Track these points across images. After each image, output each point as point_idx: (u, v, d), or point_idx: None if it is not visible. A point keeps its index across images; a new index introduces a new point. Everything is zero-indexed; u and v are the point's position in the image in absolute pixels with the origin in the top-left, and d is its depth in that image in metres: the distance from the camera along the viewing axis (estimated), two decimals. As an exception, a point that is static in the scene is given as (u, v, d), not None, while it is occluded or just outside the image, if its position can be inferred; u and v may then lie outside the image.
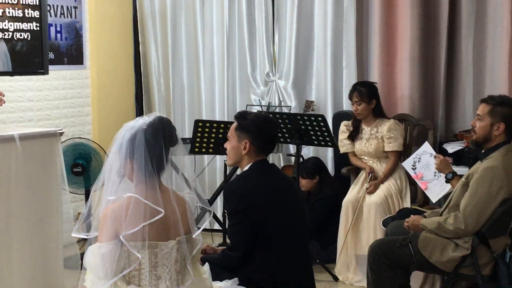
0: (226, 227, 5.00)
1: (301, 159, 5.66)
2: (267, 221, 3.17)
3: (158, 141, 2.77)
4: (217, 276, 3.18)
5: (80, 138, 5.53)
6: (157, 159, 2.77)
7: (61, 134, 4.28)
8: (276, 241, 3.18)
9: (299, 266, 3.29)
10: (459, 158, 5.00)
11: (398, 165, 5.27)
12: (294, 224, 3.29)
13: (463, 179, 3.87)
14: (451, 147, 5.17)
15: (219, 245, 5.33)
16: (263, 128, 3.29)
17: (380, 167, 5.21)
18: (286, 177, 3.46)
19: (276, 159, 6.32)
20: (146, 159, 2.76)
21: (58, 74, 5.99)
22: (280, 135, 5.14)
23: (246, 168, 3.31)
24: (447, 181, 4.29)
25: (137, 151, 2.77)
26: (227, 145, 3.38)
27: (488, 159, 3.77)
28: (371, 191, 5.07)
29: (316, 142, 5.13)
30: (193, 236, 2.89)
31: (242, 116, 3.35)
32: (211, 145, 5.24)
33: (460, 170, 4.76)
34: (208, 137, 5.20)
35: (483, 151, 3.86)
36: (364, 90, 5.18)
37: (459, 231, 3.71)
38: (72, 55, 6.13)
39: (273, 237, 3.18)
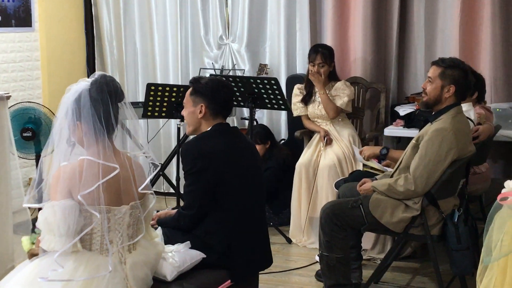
0: (180, 190, 5.01)
1: (254, 123, 5.66)
2: (222, 182, 3.17)
3: (103, 96, 2.75)
4: (169, 240, 3.18)
5: (30, 102, 5.41)
6: (105, 115, 2.74)
7: (8, 97, 4.18)
8: (231, 203, 3.19)
9: (253, 229, 3.30)
10: (410, 120, 5.05)
11: (351, 126, 5.31)
12: (250, 187, 3.29)
13: (413, 141, 3.91)
14: (403, 110, 5.22)
15: (173, 209, 5.32)
16: (218, 91, 3.28)
17: (334, 130, 5.23)
18: (245, 141, 3.45)
19: (230, 122, 6.28)
20: (94, 117, 2.73)
21: (5, 37, 5.85)
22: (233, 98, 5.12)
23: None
24: (383, 157, 4.35)
25: (83, 110, 2.73)
26: (184, 112, 3.36)
27: (438, 121, 3.81)
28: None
29: (269, 106, 5.13)
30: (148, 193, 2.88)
31: (196, 81, 3.34)
32: (164, 109, 5.19)
33: (411, 132, 4.84)
34: (161, 101, 5.15)
35: (433, 113, 3.90)
36: (327, 53, 5.18)
37: (409, 192, 3.75)
38: (20, 17, 5.98)
39: (228, 198, 3.18)
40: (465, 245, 3.75)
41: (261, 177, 3.44)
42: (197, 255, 3.12)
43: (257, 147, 5.52)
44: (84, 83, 2.79)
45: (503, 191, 1.98)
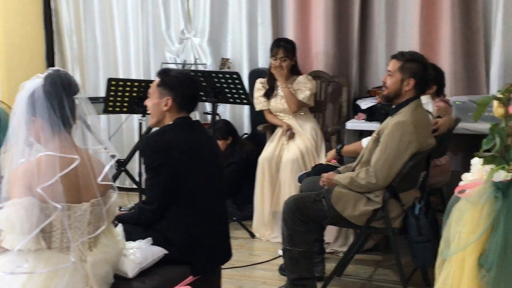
0: (143, 185, 4.97)
1: (217, 117, 5.64)
2: (182, 177, 3.15)
3: (57, 89, 2.72)
4: (130, 236, 3.15)
5: (-12, 98, 5.33)
6: (60, 108, 2.71)
7: (-35, 94, 4.10)
8: (191, 197, 3.17)
9: (214, 223, 3.29)
10: (372, 114, 5.08)
11: (313, 120, 5.32)
12: (211, 182, 3.28)
13: (374, 134, 3.93)
14: (364, 103, 5.25)
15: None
16: (186, 85, 3.25)
17: (296, 124, 5.24)
18: (206, 135, 3.43)
19: (192, 117, 6.26)
20: (49, 109, 2.70)
21: (-39, 31, 5.74)
22: (195, 93, 5.10)
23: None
24: (339, 153, 4.39)
25: (38, 104, 2.71)
26: (148, 102, 3.32)
27: (398, 115, 3.83)
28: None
29: (231, 100, 5.12)
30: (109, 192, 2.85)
31: (165, 73, 3.30)
32: (125, 104, 5.13)
33: (373, 125, 4.87)
34: (122, 96, 5.09)
35: (393, 106, 3.92)
36: (289, 47, 5.18)
37: (371, 186, 3.77)
38: (-24, 11, 5.87)
39: (188, 193, 3.17)
40: (426, 237, 3.78)
41: (221, 172, 3.43)
42: (158, 251, 3.10)
43: (219, 142, 5.54)
44: (37, 79, 2.77)
45: (460, 183, 2.00)
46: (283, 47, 5.13)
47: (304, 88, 5.17)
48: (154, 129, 3.43)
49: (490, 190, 1.89)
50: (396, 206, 3.85)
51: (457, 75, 5.33)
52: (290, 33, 5.70)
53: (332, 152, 4.56)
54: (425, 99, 4.22)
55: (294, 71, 5.24)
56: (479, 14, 5.29)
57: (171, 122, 3.25)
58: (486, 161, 1.91)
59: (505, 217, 1.87)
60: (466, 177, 1.99)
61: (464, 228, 1.93)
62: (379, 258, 4.67)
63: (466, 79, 5.36)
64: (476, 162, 1.95)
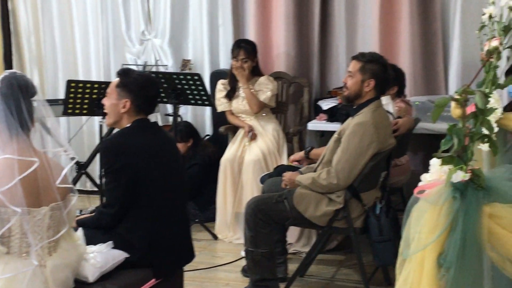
0: (103, 188, 4.92)
1: (179, 119, 5.62)
2: (142, 179, 3.12)
3: (14, 92, 2.68)
4: (90, 240, 3.12)
5: None
6: (17, 110, 2.67)
7: None
8: (152, 199, 3.15)
9: (175, 224, 3.27)
10: (333, 114, 5.11)
11: (275, 121, 5.33)
12: (171, 184, 3.26)
13: (335, 135, 3.95)
14: (326, 104, 5.27)
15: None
16: (145, 88, 3.22)
17: (258, 125, 5.24)
18: (166, 137, 3.42)
19: (154, 119, 6.23)
20: (6, 111, 2.66)
21: None
22: (156, 94, 5.07)
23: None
24: (308, 155, 4.40)
25: None
26: (105, 101, 3.29)
27: (359, 115, 3.86)
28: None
29: (193, 101, 5.10)
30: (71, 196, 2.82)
31: (125, 74, 3.26)
32: (85, 106, 5.08)
33: (334, 126, 4.89)
34: (82, 98, 5.04)
35: (354, 107, 3.95)
36: (250, 48, 5.18)
37: (332, 186, 3.79)
38: None
39: (148, 195, 3.15)
40: (387, 237, 3.81)
41: (182, 173, 3.42)
42: (119, 255, 3.08)
43: (179, 145, 5.52)
44: None
45: (419, 184, 2.02)
46: (244, 48, 5.13)
47: (265, 89, 5.17)
48: (115, 131, 3.40)
49: (449, 191, 1.91)
50: (357, 206, 3.87)
51: (417, 75, 5.39)
52: (251, 34, 5.70)
53: (301, 154, 4.55)
54: (385, 100, 4.26)
55: (256, 72, 5.24)
56: (437, 15, 5.35)
57: (128, 124, 3.22)
58: (444, 162, 1.93)
59: (463, 217, 1.89)
60: (425, 178, 2.01)
61: (423, 228, 1.94)
62: (341, 258, 4.70)
63: (425, 80, 5.43)
64: (434, 162, 1.97)
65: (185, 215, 3.42)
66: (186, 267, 3.47)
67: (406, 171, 4.71)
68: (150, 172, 3.16)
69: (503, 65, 2.12)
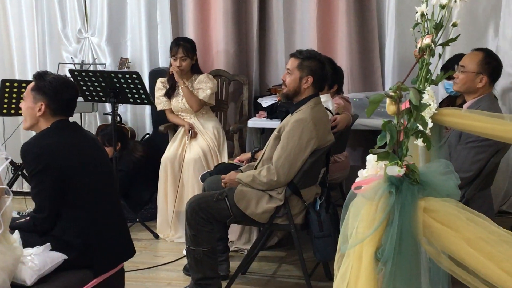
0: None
1: (118, 118, 5.56)
2: (69, 178, 3.08)
3: None
4: (27, 243, 3.06)
5: None
6: None
7: None
8: (83, 198, 3.12)
9: (110, 222, 3.24)
10: (273, 112, 5.13)
11: (215, 119, 5.32)
12: (100, 180, 3.24)
13: (275, 132, 3.97)
14: (265, 101, 5.29)
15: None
16: (61, 91, 3.18)
17: (198, 123, 5.23)
18: (88, 136, 3.39)
19: (93, 118, 6.17)
20: None
21: None
22: (94, 93, 5.01)
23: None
24: (254, 156, 4.42)
25: None
26: (22, 105, 3.25)
27: (298, 112, 3.88)
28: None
29: (132, 100, 5.05)
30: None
31: (40, 77, 3.22)
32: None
33: (274, 123, 4.91)
34: (17, 98, 4.95)
35: (293, 104, 3.97)
36: (189, 46, 5.14)
37: (272, 183, 3.81)
38: None
39: (78, 194, 3.11)
40: (327, 232, 3.86)
41: (110, 168, 3.41)
42: (58, 257, 3.03)
43: (106, 149, 5.46)
44: None
45: (356, 180, 2.05)
46: (182, 46, 5.10)
47: (205, 87, 5.16)
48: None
49: (384, 186, 1.95)
50: (297, 202, 3.90)
51: (354, 72, 5.47)
52: (190, 32, 5.68)
53: (247, 155, 4.57)
54: (324, 97, 4.31)
55: (195, 70, 5.22)
56: (373, 13, 5.44)
57: (47, 126, 3.18)
58: (380, 157, 1.96)
59: (399, 212, 1.93)
60: (361, 174, 2.04)
61: (360, 223, 1.97)
62: (283, 254, 4.73)
63: (362, 76, 5.51)
64: (370, 158, 2.00)
65: (119, 211, 3.39)
66: (127, 268, 3.44)
67: (345, 167, 4.77)
68: (76, 170, 3.12)
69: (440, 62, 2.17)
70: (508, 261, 1.88)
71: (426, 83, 2.03)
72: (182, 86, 5.10)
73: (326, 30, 5.48)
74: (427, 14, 2.10)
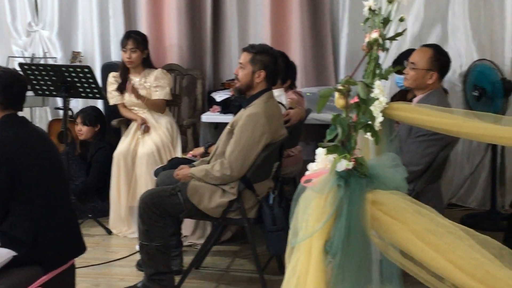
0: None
1: (70, 113, 5.48)
2: (19, 174, 3.03)
3: None
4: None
5: None
6: None
7: None
8: (33, 193, 3.07)
9: (61, 219, 3.19)
10: (227, 106, 5.13)
11: (168, 114, 5.30)
12: (51, 177, 3.19)
13: (228, 126, 3.97)
14: (219, 96, 5.28)
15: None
16: (10, 85, 3.13)
17: (151, 118, 5.19)
18: (38, 130, 3.35)
19: (44, 113, 6.08)
20: None
21: None
22: (45, 88, 4.94)
23: None
24: (207, 150, 4.41)
25: None
26: None
27: (251, 106, 3.89)
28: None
29: (83, 94, 4.99)
30: None
31: None
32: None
33: (227, 118, 4.90)
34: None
35: (246, 98, 3.97)
36: (140, 38, 5.11)
37: (225, 177, 3.81)
38: None
39: (28, 189, 3.06)
40: (280, 226, 3.86)
41: (61, 163, 3.36)
42: (6, 253, 2.97)
43: (85, 128, 5.43)
44: None
45: (306, 173, 2.06)
46: (132, 38, 5.07)
47: (163, 84, 5.14)
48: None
49: (333, 179, 1.96)
50: (251, 196, 3.91)
51: (307, 67, 5.50)
52: (142, 26, 5.64)
53: (201, 149, 4.55)
54: (277, 92, 4.32)
55: (147, 64, 5.19)
56: (327, 8, 5.47)
57: None
58: (329, 151, 1.97)
59: (348, 205, 1.94)
60: (311, 167, 2.05)
61: (310, 216, 1.98)
62: (237, 249, 4.74)
63: (316, 71, 5.55)
64: (320, 152, 2.01)
65: (70, 207, 3.34)
66: (78, 264, 3.40)
67: (298, 161, 4.79)
68: (26, 165, 3.07)
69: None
70: (454, 252, 1.91)
71: (374, 77, 2.04)
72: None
73: (280, 25, 5.49)
74: (375, 10, 2.11)
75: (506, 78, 5.05)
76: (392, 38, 2.05)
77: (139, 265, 4.32)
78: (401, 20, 2.11)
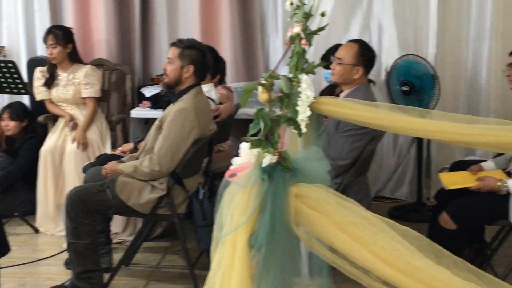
0: None
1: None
2: None
3: None
4: None
5: None
6: None
7: None
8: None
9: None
10: (156, 101, 5.09)
11: (98, 111, 5.21)
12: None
13: (157, 122, 3.94)
14: (149, 91, 5.24)
15: None
16: None
17: (80, 114, 5.11)
18: None
19: (-34, 108, 5.90)
20: None
21: None
22: (-33, 83, 4.80)
23: None
24: (136, 146, 4.37)
25: None
26: None
27: (180, 102, 3.86)
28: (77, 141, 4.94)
29: (8, 90, 4.87)
30: None
31: None
32: None
33: (157, 113, 4.86)
34: None
35: (175, 93, 3.95)
36: (60, 33, 4.99)
37: (154, 173, 3.77)
38: None
39: None
40: (210, 221, 3.85)
41: None
42: None
43: (12, 123, 5.28)
44: None
45: (231, 167, 2.06)
46: (52, 33, 4.97)
47: (93, 81, 5.05)
48: None
49: (257, 173, 1.97)
50: (180, 192, 3.89)
51: (238, 62, 5.50)
52: (69, 20, 5.53)
53: (130, 145, 4.49)
54: (207, 87, 4.31)
55: (74, 59, 5.09)
56: (256, 3, 5.49)
57: None
58: (253, 145, 1.98)
59: (272, 198, 1.96)
60: (236, 161, 2.06)
61: (235, 210, 1.99)
62: (167, 245, 4.71)
63: (246, 66, 5.56)
64: (244, 146, 2.02)
65: None
66: (3, 263, 3.33)
67: (229, 156, 4.75)
68: None
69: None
70: (375, 244, 1.95)
71: (297, 72, 2.06)
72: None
73: (210, 20, 5.48)
74: (299, 5, 2.13)
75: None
76: (313, 33, 2.07)
77: (67, 264, 4.24)
78: (322, 15, 2.13)
